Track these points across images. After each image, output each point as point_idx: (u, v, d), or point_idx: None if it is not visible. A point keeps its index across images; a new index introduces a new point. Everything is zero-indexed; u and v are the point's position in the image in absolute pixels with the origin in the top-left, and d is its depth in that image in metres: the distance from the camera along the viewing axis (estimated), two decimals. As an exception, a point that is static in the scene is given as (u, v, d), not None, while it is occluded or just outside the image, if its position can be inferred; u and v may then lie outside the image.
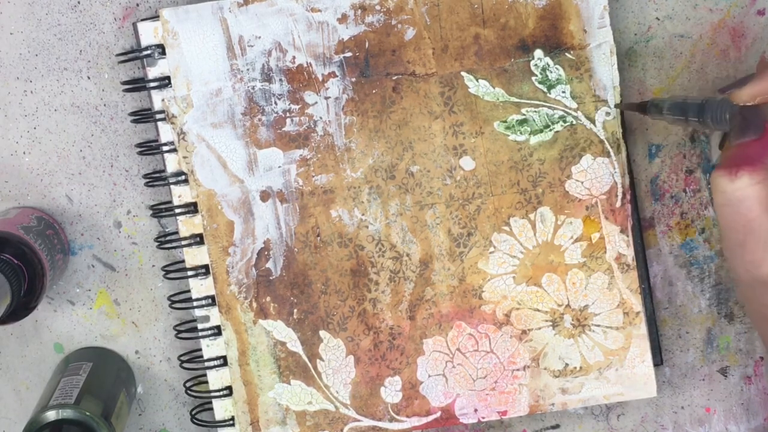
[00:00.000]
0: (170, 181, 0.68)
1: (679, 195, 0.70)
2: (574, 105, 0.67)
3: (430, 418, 0.70)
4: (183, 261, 0.69)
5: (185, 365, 0.71)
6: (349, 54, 0.66)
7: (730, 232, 0.55)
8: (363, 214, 0.68)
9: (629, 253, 0.68)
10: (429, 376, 0.69)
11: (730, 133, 0.57)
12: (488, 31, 0.66)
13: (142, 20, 0.67)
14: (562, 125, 0.67)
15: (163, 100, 0.67)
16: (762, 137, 0.56)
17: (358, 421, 0.70)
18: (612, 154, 0.67)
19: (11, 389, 0.73)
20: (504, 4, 0.66)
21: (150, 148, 0.68)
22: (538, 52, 0.66)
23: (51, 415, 0.64)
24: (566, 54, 0.66)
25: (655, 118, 0.63)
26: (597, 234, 0.68)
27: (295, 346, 0.69)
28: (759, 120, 0.56)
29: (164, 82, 0.67)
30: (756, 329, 0.57)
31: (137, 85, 0.67)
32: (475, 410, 0.69)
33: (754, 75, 0.57)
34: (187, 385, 0.71)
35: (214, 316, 0.69)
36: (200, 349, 0.70)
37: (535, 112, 0.67)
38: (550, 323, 0.68)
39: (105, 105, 0.70)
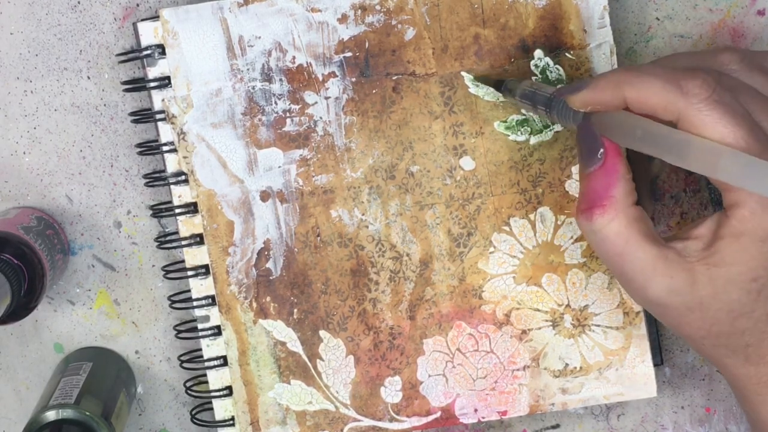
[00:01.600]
0: (170, 181, 0.68)
1: (679, 195, 0.70)
2: (574, 105, 0.67)
3: (430, 418, 0.70)
4: (183, 261, 0.69)
5: (185, 365, 0.71)
6: (349, 54, 0.66)
7: (610, 267, 0.57)
8: (363, 214, 0.68)
9: (629, 253, 0.68)
10: (429, 376, 0.69)
11: (577, 149, 0.57)
12: (488, 31, 0.66)
13: (142, 20, 0.67)
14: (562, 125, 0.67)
15: (163, 100, 0.67)
16: (604, 164, 0.56)
17: (358, 421, 0.70)
18: (612, 154, 0.67)
19: (11, 389, 0.73)
20: (504, 4, 0.66)
21: (150, 148, 0.68)
22: (538, 52, 0.66)
23: (51, 415, 0.64)
24: (566, 54, 0.66)
25: (508, 100, 0.64)
26: (597, 234, 0.68)
27: (295, 346, 0.69)
28: (596, 139, 0.56)
29: (164, 82, 0.67)
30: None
31: (137, 85, 0.67)
32: (475, 410, 0.69)
33: (590, 80, 0.57)
34: (187, 385, 0.71)
35: (214, 316, 0.69)
36: (200, 349, 0.70)
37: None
38: (550, 323, 0.68)
39: (105, 105, 0.70)
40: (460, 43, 0.66)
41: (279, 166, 0.67)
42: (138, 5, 0.68)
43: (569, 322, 0.68)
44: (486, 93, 0.67)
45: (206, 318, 0.69)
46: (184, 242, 0.68)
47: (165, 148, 0.68)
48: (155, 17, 0.67)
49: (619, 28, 0.68)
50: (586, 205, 0.56)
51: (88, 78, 0.69)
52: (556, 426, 0.72)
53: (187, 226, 0.68)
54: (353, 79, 0.67)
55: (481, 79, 0.66)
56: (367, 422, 0.70)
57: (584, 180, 0.57)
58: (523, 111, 0.66)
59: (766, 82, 0.58)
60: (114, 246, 0.71)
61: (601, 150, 0.56)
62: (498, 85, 0.65)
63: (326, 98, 0.67)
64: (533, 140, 0.67)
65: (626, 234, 0.55)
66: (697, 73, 0.54)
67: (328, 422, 0.69)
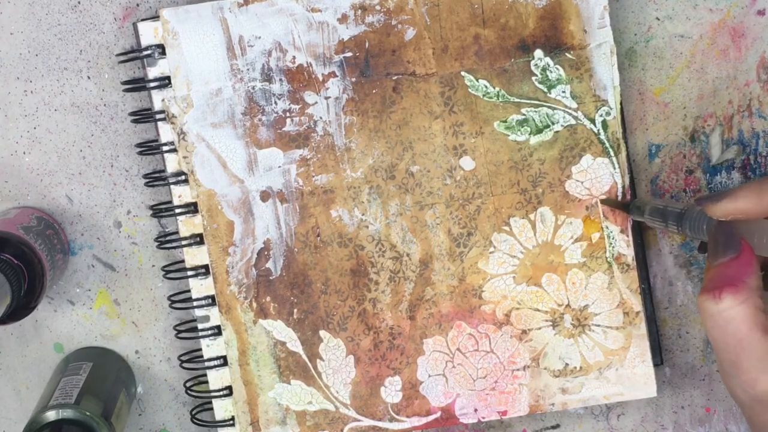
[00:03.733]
0: (170, 181, 0.68)
1: (679, 195, 0.70)
2: (574, 105, 0.67)
3: (430, 418, 0.70)
4: (183, 261, 0.69)
5: (185, 365, 0.71)
6: (349, 54, 0.66)
7: (722, 353, 0.56)
8: (363, 214, 0.68)
9: (629, 253, 0.68)
10: (429, 376, 0.69)
11: (709, 246, 0.58)
12: (488, 31, 0.66)
13: (142, 20, 0.67)
14: (562, 125, 0.67)
15: (163, 100, 0.67)
16: (739, 255, 0.56)
17: (358, 421, 0.70)
18: (612, 154, 0.67)
19: (11, 389, 0.73)
20: (504, 4, 0.66)
21: (150, 148, 0.68)
22: (538, 52, 0.66)
23: (51, 415, 0.64)
24: (566, 54, 0.66)
25: (635, 218, 0.66)
26: (597, 234, 0.68)
27: (295, 346, 0.69)
28: (733, 238, 0.57)
29: (164, 82, 0.67)
30: None
31: (137, 85, 0.67)
32: (475, 410, 0.69)
33: (729, 190, 0.58)
34: (187, 385, 0.71)
35: (214, 316, 0.69)
36: (200, 349, 0.70)
37: (535, 112, 0.67)
38: (550, 323, 0.68)
39: (105, 105, 0.70)
40: (460, 43, 0.66)
41: (279, 166, 0.67)
42: (138, 5, 0.68)
43: (569, 322, 0.68)
44: (486, 93, 0.67)
45: (206, 318, 0.69)
46: (184, 242, 0.68)
47: (165, 148, 0.68)
48: (155, 17, 0.67)
49: (619, 28, 0.68)
50: (716, 284, 0.55)
51: (88, 78, 0.69)
52: (556, 426, 0.72)
53: (187, 226, 0.68)
54: (353, 79, 0.67)
55: (608, 202, 0.67)
56: (367, 422, 0.70)
57: (715, 268, 0.57)
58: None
59: None
60: (114, 246, 0.71)
61: (740, 246, 0.57)
62: (626, 207, 0.66)
63: (326, 98, 0.67)
64: (533, 140, 0.67)
65: (752, 320, 0.54)
66: None
67: (328, 422, 0.69)
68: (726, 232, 0.57)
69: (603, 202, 0.67)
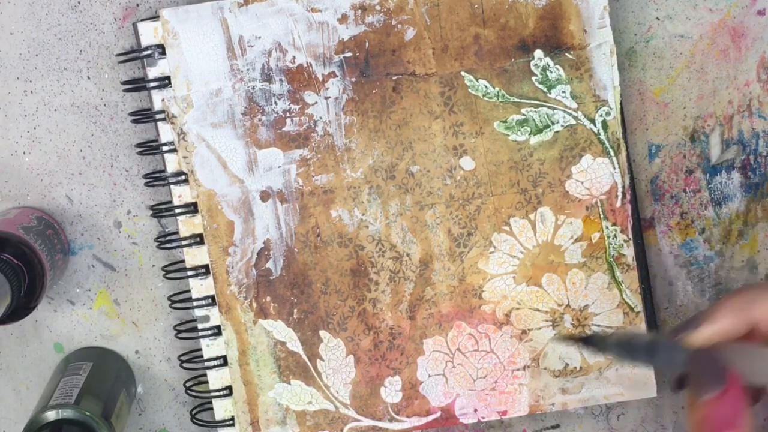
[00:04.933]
0: (170, 181, 0.68)
1: (679, 195, 0.70)
2: (574, 105, 0.67)
3: (430, 418, 0.70)
4: (183, 261, 0.69)
5: (185, 365, 0.71)
6: (349, 54, 0.66)
7: None
8: (363, 214, 0.68)
9: (629, 253, 0.68)
10: (429, 376, 0.69)
11: (691, 380, 0.54)
12: (488, 31, 0.66)
13: (142, 20, 0.67)
14: (562, 125, 0.67)
15: (163, 100, 0.67)
16: (728, 390, 0.52)
17: (358, 421, 0.70)
18: (612, 154, 0.67)
19: (11, 389, 0.73)
20: (504, 4, 0.66)
21: (150, 148, 0.68)
22: (538, 52, 0.66)
23: (51, 415, 0.64)
24: (566, 54, 0.66)
25: (598, 354, 0.61)
26: (597, 234, 0.68)
27: (295, 346, 0.69)
28: (717, 368, 0.53)
29: (164, 82, 0.67)
30: None
31: (137, 85, 0.67)
32: (475, 410, 0.69)
33: (704, 314, 0.55)
34: (187, 385, 0.71)
35: (214, 316, 0.69)
36: (200, 349, 0.70)
37: (535, 112, 0.67)
38: (550, 323, 0.68)
39: (105, 105, 0.70)
40: (460, 43, 0.66)
41: (279, 166, 0.67)
42: (138, 5, 0.68)
43: (569, 322, 0.68)
44: (486, 93, 0.67)
45: (206, 318, 0.69)
46: (184, 242, 0.68)
47: (165, 148, 0.68)
48: (155, 17, 0.67)
49: (619, 28, 0.68)
50: (713, 428, 0.52)
51: (88, 78, 0.69)
52: (556, 426, 0.72)
53: (187, 226, 0.68)
54: (353, 79, 0.67)
55: (563, 338, 0.65)
56: (367, 422, 0.70)
57: (704, 407, 0.52)
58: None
59: None
60: (114, 246, 0.71)
61: (726, 378, 0.52)
62: (586, 341, 0.61)
63: (326, 98, 0.67)
64: (533, 140, 0.67)
65: None
66: None
67: (328, 422, 0.69)
68: (708, 363, 0.53)
69: (556, 339, 0.65)
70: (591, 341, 0.61)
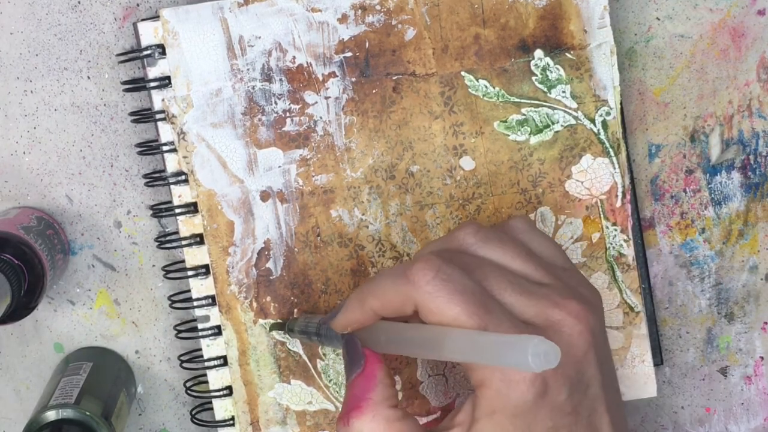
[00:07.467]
0: (170, 181, 0.68)
1: (679, 195, 0.70)
2: (574, 105, 0.67)
3: (430, 417, 0.70)
4: (183, 261, 0.69)
5: (185, 365, 0.71)
6: (349, 54, 0.66)
7: None
8: (363, 214, 0.68)
9: (629, 253, 0.68)
10: (429, 375, 0.69)
11: (344, 363, 0.58)
12: (488, 31, 0.66)
13: (143, 20, 0.67)
14: (562, 125, 0.67)
15: (163, 100, 0.67)
16: (364, 369, 0.56)
17: (358, 421, 0.70)
18: (612, 154, 0.67)
19: (11, 389, 0.73)
20: (504, 4, 0.66)
21: (150, 148, 0.68)
22: (538, 52, 0.66)
23: (51, 415, 0.64)
24: (566, 54, 0.66)
25: (295, 338, 0.67)
26: (597, 234, 0.68)
27: (295, 345, 0.69)
28: (358, 350, 0.57)
29: (164, 82, 0.67)
30: None
31: (137, 85, 0.68)
32: (475, 410, 0.69)
33: (342, 302, 0.58)
34: (187, 385, 0.71)
35: (214, 316, 0.69)
36: (200, 349, 0.70)
37: (535, 112, 0.67)
38: (550, 323, 0.68)
39: (105, 105, 0.70)
40: (460, 43, 0.66)
41: (279, 166, 0.67)
42: (138, 5, 0.68)
43: (569, 322, 0.68)
44: (486, 93, 0.67)
45: (206, 318, 0.69)
46: (184, 242, 0.68)
47: (165, 148, 0.68)
48: (155, 17, 0.67)
49: (619, 28, 0.68)
50: (344, 411, 0.55)
51: (88, 78, 0.69)
52: (556, 426, 0.72)
53: (187, 226, 0.68)
54: (353, 79, 0.67)
55: (273, 325, 0.68)
56: (367, 422, 0.70)
57: (347, 388, 0.57)
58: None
59: (503, 253, 0.56)
60: (114, 246, 0.71)
61: (363, 360, 0.56)
62: (283, 327, 0.67)
63: (326, 98, 0.67)
64: (533, 140, 0.67)
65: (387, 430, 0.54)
66: (418, 258, 0.53)
67: (328, 422, 0.69)
68: (350, 346, 0.57)
69: (270, 327, 0.68)
70: (286, 328, 0.67)
